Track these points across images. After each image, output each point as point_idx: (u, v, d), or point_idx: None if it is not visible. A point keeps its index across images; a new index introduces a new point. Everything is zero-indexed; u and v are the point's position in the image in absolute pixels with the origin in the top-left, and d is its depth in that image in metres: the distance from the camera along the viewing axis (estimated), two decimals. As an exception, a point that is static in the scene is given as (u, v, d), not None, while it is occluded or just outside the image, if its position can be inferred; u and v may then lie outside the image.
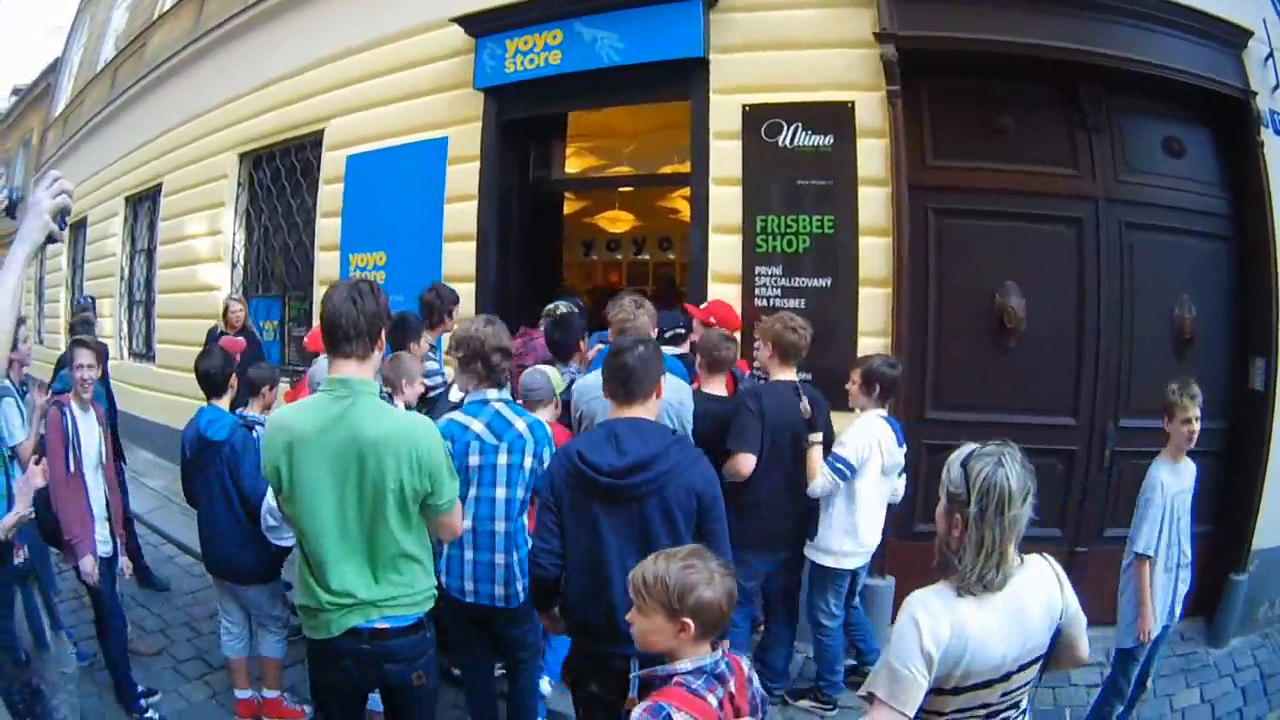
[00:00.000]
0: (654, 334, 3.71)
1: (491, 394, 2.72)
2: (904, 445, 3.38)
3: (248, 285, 6.67)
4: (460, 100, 4.89)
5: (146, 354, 8.07)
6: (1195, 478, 3.20)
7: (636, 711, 1.60)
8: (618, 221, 8.08)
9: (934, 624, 1.55)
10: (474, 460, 2.65)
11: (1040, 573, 1.69)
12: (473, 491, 2.66)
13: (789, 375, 3.33)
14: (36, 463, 2.92)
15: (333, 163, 5.61)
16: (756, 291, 4.17)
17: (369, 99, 5.37)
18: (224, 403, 3.33)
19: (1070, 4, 3.97)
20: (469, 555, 2.68)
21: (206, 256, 6.89)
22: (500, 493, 2.67)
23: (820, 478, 3.19)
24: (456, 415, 2.70)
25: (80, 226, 10.12)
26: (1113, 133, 4.25)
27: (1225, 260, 4.41)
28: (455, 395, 3.39)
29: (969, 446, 1.65)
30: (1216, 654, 4.09)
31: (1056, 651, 1.71)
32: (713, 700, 1.64)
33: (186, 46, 7.41)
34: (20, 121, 16.89)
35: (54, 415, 3.27)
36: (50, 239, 1.52)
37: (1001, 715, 1.67)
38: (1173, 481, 3.09)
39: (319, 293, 5.70)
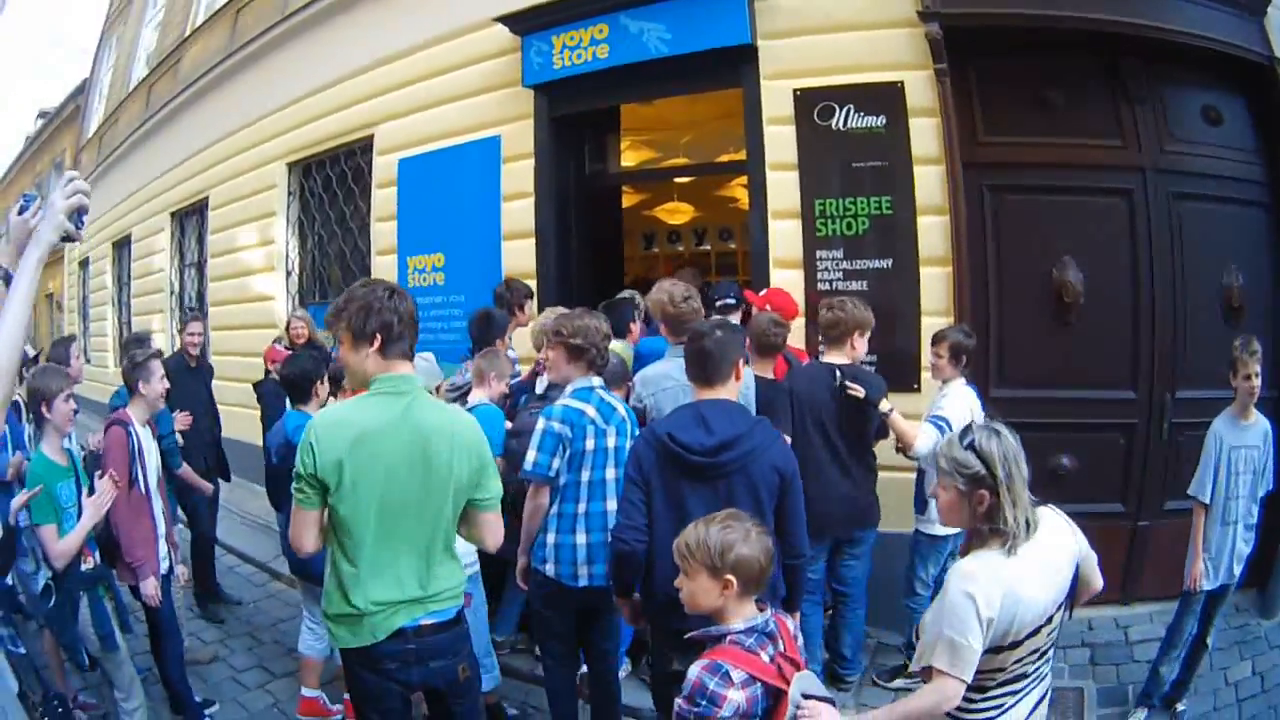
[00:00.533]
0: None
1: (596, 381, 2.84)
2: (986, 409, 3.42)
3: (304, 293, 6.76)
4: (510, 99, 4.95)
5: (200, 366, 8.17)
6: (1269, 440, 3.22)
7: (695, 669, 1.71)
8: (677, 213, 8.08)
9: (988, 594, 1.67)
10: (589, 444, 2.74)
11: (1052, 520, 1.85)
12: (586, 475, 2.75)
13: (835, 358, 3.33)
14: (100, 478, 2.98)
15: (385, 167, 5.68)
16: (819, 275, 4.20)
17: (417, 102, 5.44)
18: (311, 408, 3.33)
19: (1102, -27, 3.95)
20: (580, 539, 2.74)
21: (260, 267, 6.98)
22: (610, 473, 2.78)
23: (923, 436, 3.21)
24: (571, 401, 2.77)
25: (124, 244, 10.24)
26: (1154, 103, 4.24)
27: (1265, 226, 4.40)
28: (541, 387, 3.49)
29: (954, 437, 1.83)
30: (1268, 625, 4.05)
31: (1078, 587, 1.86)
32: (765, 657, 1.74)
33: (223, 60, 7.51)
34: (50, 144, 17.15)
35: (118, 434, 3.19)
36: (67, 238, 1.53)
37: (1046, 654, 1.83)
38: (1231, 435, 3.17)
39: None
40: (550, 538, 2.76)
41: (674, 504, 2.30)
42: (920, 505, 3.42)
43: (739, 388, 2.48)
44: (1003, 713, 1.78)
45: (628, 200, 7.04)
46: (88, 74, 14.66)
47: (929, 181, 4.05)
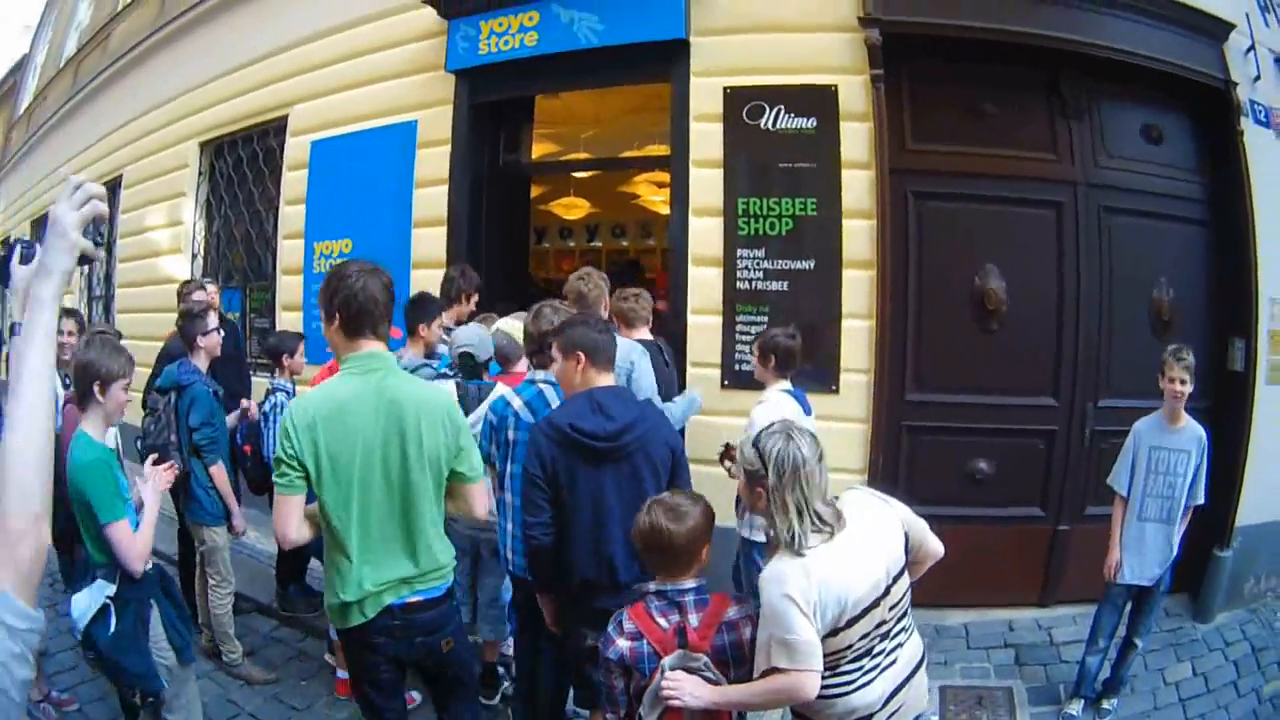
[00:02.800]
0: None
1: (539, 374, 2.83)
2: (811, 414, 3.33)
3: (207, 276, 6.42)
4: (430, 83, 4.78)
5: (106, 352, 7.76)
6: (1201, 447, 3.26)
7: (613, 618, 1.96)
8: (573, 209, 7.90)
9: (803, 589, 1.71)
10: (510, 435, 2.77)
11: (861, 499, 1.90)
12: (510, 467, 2.75)
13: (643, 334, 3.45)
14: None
15: (297, 149, 5.45)
16: (738, 274, 4.11)
17: (335, 83, 5.22)
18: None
19: (1054, -8, 3.97)
20: (509, 527, 2.79)
21: (167, 248, 6.67)
22: None
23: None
24: (505, 392, 2.86)
25: (41, 223, 9.80)
26: (1092, 119, 4.27)
27: (1202, 244, 4.46)
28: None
29: (758, 430, 1.89)
30: (1204, 629, 4.11)
31: (913, 556, 1.91)
32: (663, 623, 1.89)
33: (150, 36, 7.20)
34: (-15, 121, 16.37)
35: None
36: (84, 259, 1.18)
37: (897, 626, 1.87)
38: (1153, 436, 3.31)
39: (282, 283, 5.52)
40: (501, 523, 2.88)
41: (587, 490, 2.38)
42: (742, 508, 3.29)
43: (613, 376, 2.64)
44: (858, 687, 1.82)
45: (527, 193, 6.82)
46: (27, 50, 14.05)
47: (856, 185, 4.00)
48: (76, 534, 2.50)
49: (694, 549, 1.92)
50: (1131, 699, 3.51)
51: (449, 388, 3.02)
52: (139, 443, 3.56)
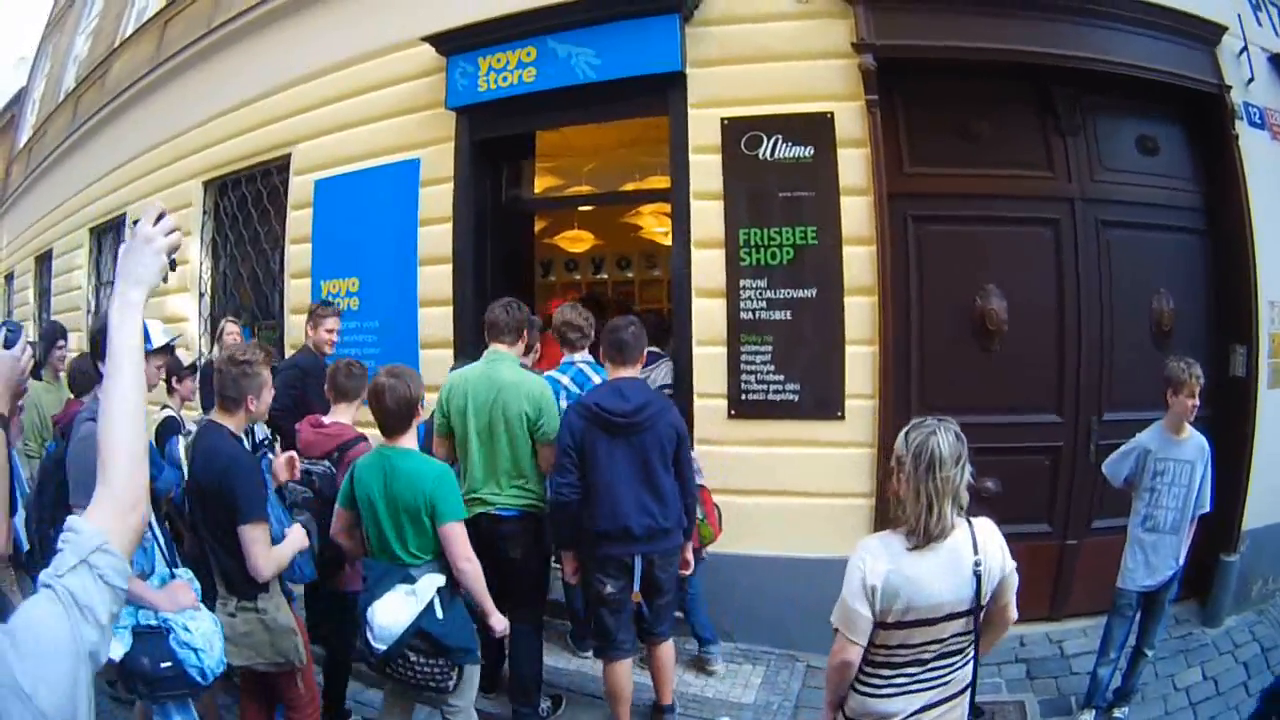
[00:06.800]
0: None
1: (577, 356, 3.56)
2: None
3: (216, 315, 6.46)
4: (432, 121, 4.80)
5: (115, 389, 7.77)
6: (1205, 456, 3.32)
7: None
8: (578, 241, 7.90)
9: (874, 563, 1.86)
10: (562, 404, 3.35)
11: (964, 532, 1.94)
12: None
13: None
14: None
15: (301, 188, 5.47)
16: (741, 305, 4.13)
17: (337, 122, 5.25)
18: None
19: (1044, 8, 4.03)
20: None
21: (173, 287, 6.59)
22: None
23: None
24: (553, 372, 3.54)
25: (46, 259, 9.89)
26: (1087, 133, 4.31)
27: (1200, 252, 4.50)
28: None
29: (914, 421, 1.98)
30: (1213, 633, 4.16)
31: (991, 610, 1.94)
32: None
33: (148, 73, 7.22)
34: (-17, 155, 16.36)
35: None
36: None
37: (957, 652, 1.93)
38: (1159, 447, 3.34)
39: (291, 321, 5.56)
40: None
41: (605, 458, 2.97)
42: None
43: (637, 370, 3.21)
44: (881, 695, 1.93)
45: (531, 227, 6.81)
46: (25, 83, 14.04)
47: (855, 212, 4.03)
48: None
49: None
50: (1142, 706, 3.55)
51: None
52: None
